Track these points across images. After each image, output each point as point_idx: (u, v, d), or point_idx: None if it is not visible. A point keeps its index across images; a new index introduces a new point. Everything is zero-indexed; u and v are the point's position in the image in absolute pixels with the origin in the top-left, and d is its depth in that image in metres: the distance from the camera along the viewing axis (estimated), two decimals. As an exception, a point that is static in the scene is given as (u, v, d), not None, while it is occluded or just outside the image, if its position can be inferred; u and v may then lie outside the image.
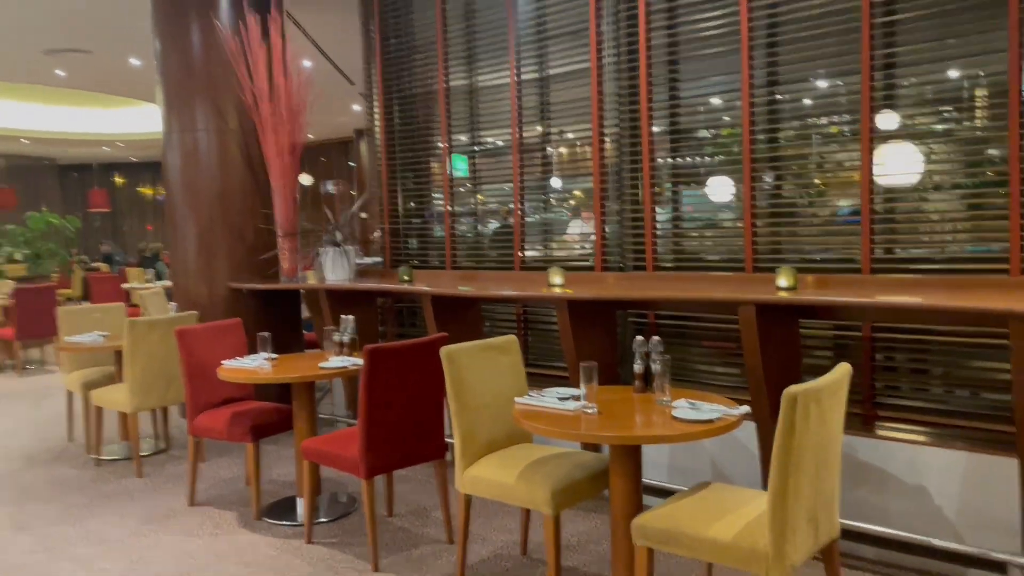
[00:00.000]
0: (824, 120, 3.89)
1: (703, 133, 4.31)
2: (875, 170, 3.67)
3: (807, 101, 3.93)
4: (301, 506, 3.98)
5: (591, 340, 4.10)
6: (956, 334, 3.49)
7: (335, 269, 5.39)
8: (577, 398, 2.99)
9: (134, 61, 8.77)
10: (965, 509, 3.10)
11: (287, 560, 3.58)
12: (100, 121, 15.27)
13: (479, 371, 3.30)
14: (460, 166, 5.45)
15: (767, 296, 3.44)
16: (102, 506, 4.40)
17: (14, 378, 8.59)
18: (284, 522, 4.02)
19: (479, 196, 5.46)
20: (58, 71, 9.30)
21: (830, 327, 3.91)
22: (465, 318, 4.82)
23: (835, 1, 3.71)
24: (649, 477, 3.93)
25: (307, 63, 8.04)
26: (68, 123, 15.20)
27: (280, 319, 5.85)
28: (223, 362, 4.19)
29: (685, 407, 2.85)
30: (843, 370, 2.56)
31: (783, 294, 3.51)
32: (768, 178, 4.06)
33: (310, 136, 15.96)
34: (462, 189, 5.51)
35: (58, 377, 7.55)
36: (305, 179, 17.76)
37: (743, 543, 2.40)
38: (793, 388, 2.31)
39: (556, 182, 5.05)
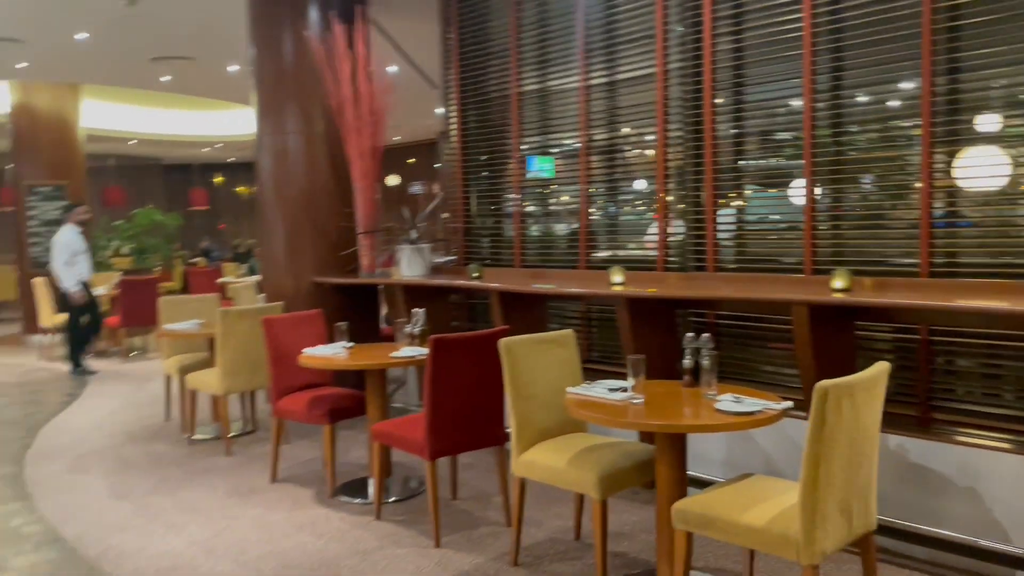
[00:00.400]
0: (884, 124, 3.93)
1: (766, 136, 4.39)
2: (947, 174, 3.68)
3: (862, 100, 3.98)
4: (372, 486, 4.25)
5: (650, 337, 4.24)
6: (1010, 338, 3.49)
7: (411, 266, 5.67)
8: (625, 390, 3.14)
9: (232, 67, 9.31)
10: (1013, 511, 3.12)
11: (357, 534, 3.85)
12: (201, 124, 16.08)
13: (535, 362, 3.49)
14: (545, 166, 5.59)
15: (819, 297, 3.52)
16: (193, 480, 4.78)
17: (119, 363, 9.24)
18: (356, 500, 4.31)
19: (547, 197, 5.66)
20: (163, 77, 9.95)
21: (890, 329, 3.93)
22: (531, 314, 5.02)
23: (898, 7, 3.75)
24: (702, 471, 4.04)
25: (393, 68, 8.41)
26: (172, 126, 16.07)
27: (360, 312, 6.16)
28: (304, 350, 4.50)
29: (729, 400, 2.97)
30: (880, 368, 2.65)
31: (837, 295, 3.58)
32: (824, 183, 4.12)
33: (398, 138, 16.46)
34: (542, 191, 5.71)
35: (158, 362, 8.10)
36: (392, 180, 18.31)
37: (775, 529, 2.52)
38: (825, 382, 2.42)
39: (622, 184, 5.20)
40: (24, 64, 9.22)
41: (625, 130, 5.10)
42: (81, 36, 7.85)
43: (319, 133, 6.16)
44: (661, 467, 3.03)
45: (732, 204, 4.56)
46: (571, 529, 3.78)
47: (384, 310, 6.49)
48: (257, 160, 6.38)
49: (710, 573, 3.32)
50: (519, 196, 5.71)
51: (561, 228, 5.63)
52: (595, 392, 3.19)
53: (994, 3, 3.51)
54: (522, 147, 5.67)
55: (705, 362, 3.17)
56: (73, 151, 11.52)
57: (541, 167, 5.59)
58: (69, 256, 8.25)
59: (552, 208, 5.67)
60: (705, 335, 3.24)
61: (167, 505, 4.35)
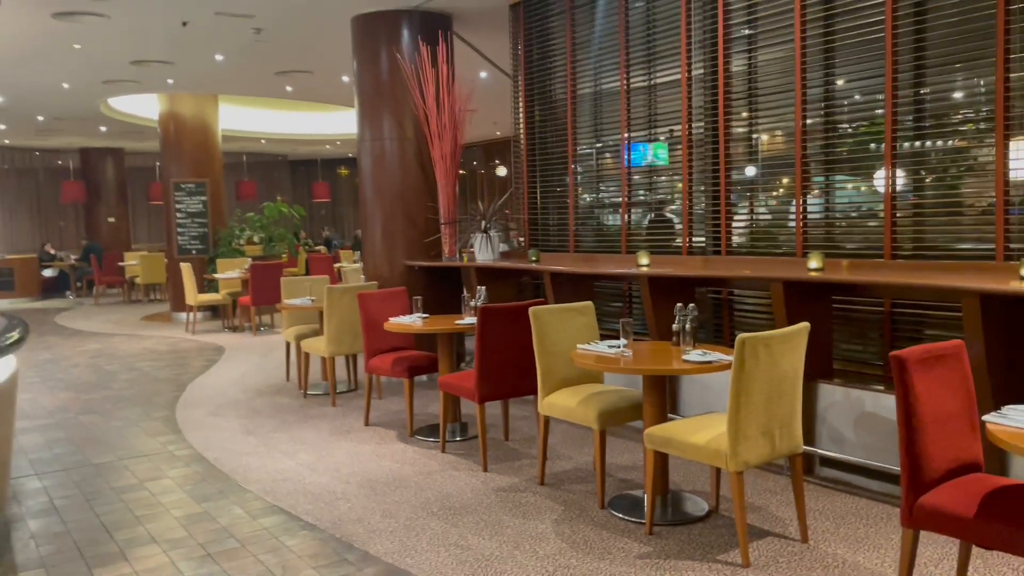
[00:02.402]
0: (960, 115, 4.25)
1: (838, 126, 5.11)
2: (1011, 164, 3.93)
3: (929, 93, 4.43)
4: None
5: (667, 309, 5.06)
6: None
7: (482, 251, 6.67)
8: (620, 347, 4.02)
9: (345, 78, 10.56)
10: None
11: (425, 461, 4.89)
12: (323, 124, 17.63)
13: (559, 326, 4.40)
14: (661, 154, 6.01)
15: (792, 274, 4.28)
16: (305, 423, 5.96)
17: (250, 336, 10.71)
18: (429, 439, 5.35)
19: (600, 190, 6.52)
20: (287, 87, 11.34)
21: (872, 303, 4.60)
22: (578, 291, 5.91)
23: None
24: (687, 413, 4.85)
25: (484, 74, 9.41)
26: (297, 126, 17.70)
27: (444, 290, 7.20)
28: (390, 319, 5.57)
29: (697, 355, 3.81)
30: (799, 327, 3.43)
31: (813, 274, 4.32)
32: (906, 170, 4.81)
33: (499, 133, 17.50)
34: (611, 186, 6.58)
35: (282, 335, 9.46)
36: (501, 170, 19.40)
37: (712, 446, 3.37)
38: (744, 335, 3.24)
39: (652, 176, 6.01)
40: (172, 81, 10.79)
41: (654, 128, 5.89)
42: (219, 57, 9.25)
43: (409, 138, 7.24)
44: (646, 405, 3.90)
45: (741, 192, 5.31)
46: (591, 463, 4.68)
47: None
48: (359, 160, 7.53)
49: (687, 491, 4.16)
50: (572, 190, 6.59)
51: (607, 217, 6.48)
52: (597, 348, 4.09)
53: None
54: (576, 145, 6.55)
55: (687, 326, 4.00)
56: (212, 152, 13.13)
57: (656, 156, 6.01)
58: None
59: (603, 199, 6.52)
60: (691, 305, 4.07)
61: (283, 439, 5.53)
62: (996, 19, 3.94)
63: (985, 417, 2.48)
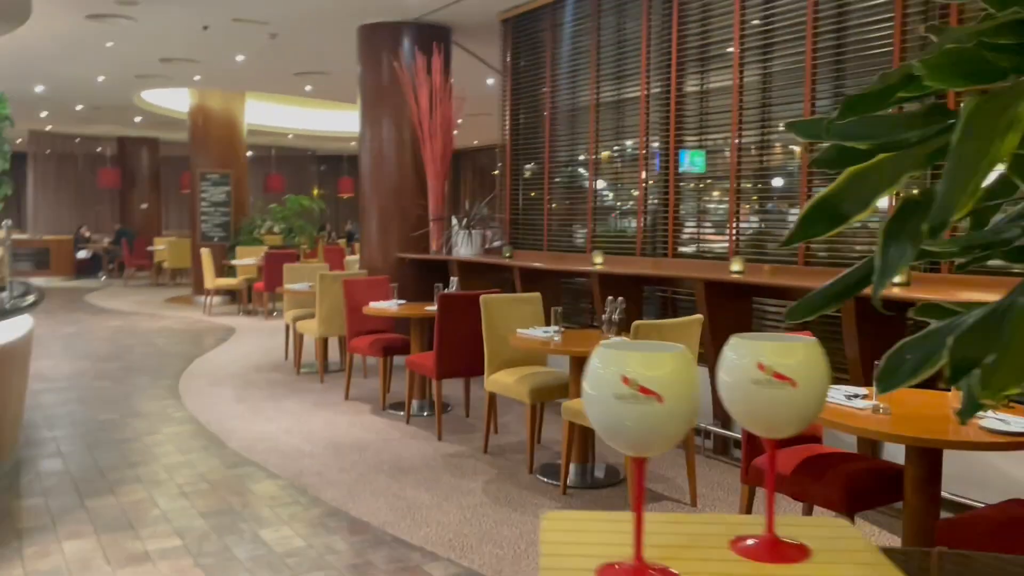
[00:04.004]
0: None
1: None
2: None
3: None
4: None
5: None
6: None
7: (464, 247, 7.24)
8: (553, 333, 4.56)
9: (359, 79, 11.20)
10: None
11: (389, 431, 5.47)
12: (347, 122, 18.26)
13: (506, 314, 4.95)
14: (697, 160, 6.12)
15: (714, 276, 4.79)
16: (292, 395, 6.57)
17: (262, 319, 11.39)
18: (399, 412, 5.93)
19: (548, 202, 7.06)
20: (306, 87, 12.01)
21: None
22: (547, 285, 6.44)
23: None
24: None
25: (491, 80, 9.97)
26: (323, 123, 18.41)
27: (431, 281, 7.75)
28: (370, 303, 6.16)
29: (616, 340, 4.33)
30: (694, 318, 3.96)
31: (734, 276, 4.82)
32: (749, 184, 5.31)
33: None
34: (578, 194, 7.12)
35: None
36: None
37: (611, 417, 3.89)
38: (639, 321, 3.77)
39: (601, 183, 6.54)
40: (198, 77, 11.51)
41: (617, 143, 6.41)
42: (240, 58, 9.93)
43: (405, 140, 7.84)
44: (571, 383, 4.44)
45: (686, 200, 5.82)
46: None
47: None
48: (360, 158, 8.13)
49: (612, 463, 4.69)
50: (547, 192, 7.13)
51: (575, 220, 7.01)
52: (533, 333, 4.63)
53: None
54: (552, 151, 7.10)
55: (614, 316, 4.53)
56: (237, 145, 13.86)
57: (693, 162, 6.33)
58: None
59: (567, 204, 7.05)
60: (620, 299, 4.59)
61: (269, 408, 6.14)
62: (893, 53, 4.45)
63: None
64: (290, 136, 19.64)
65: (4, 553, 3.46)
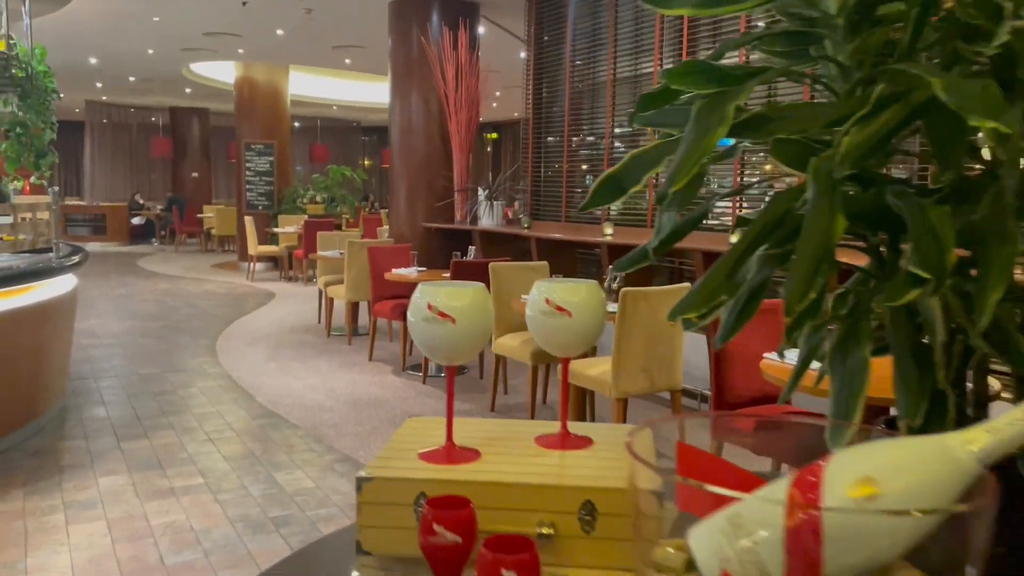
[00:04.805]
0: None
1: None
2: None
3: None
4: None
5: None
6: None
7: (487, 217, 7.50)
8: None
9: (396, 52, 11.48)
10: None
11: (405, 390, 5.81)
12: (387, 94, 18.63)
13: (514, 280, 5.22)
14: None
15: (710, 247, 4.98)
16: (320, 356, 6.95)
17: (301, 285, 11.84)
18: (417, 373, 6.26)
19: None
20: (346, 60, 12.32)
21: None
22: (563, 256, 6.70)
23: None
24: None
25: (523, 55, 10.15)
26: (366, 95, 18.73)
27: (456, 250, 8.06)
28: (392, 270, 6.48)
29: (613, 307, 4.57)
30: (682, 286, 4.17)
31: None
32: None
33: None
34: (597, 165, 7.32)
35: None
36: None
37: (600, 377, 4.15)
38: (627, 289, 4.00)
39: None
40: (242, 51, 11.90)
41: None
42: (280, 32, 10.28)
43: (432, 113, 8.10)
44: (569, 348, 4.70)
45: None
46: (540, 397, 5.51)
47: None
48: (389, 130, 8.43)
49: (600, 420, 4.94)
50: (565, 165, 7.34)
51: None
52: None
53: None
54: (571, 127, 7.29)
55: (613, 284, 4.77)
56: (281, 116, 14.28)
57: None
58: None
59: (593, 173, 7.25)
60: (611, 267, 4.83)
61: (298, 367, 6.52)
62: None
63: (766, 355, 3.21)
64: (334, 107, 20.02)
65: (46, 486, 3.87)
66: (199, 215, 18.62)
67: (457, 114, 7.74)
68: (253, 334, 7.94)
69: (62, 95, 6.01)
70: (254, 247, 12.45)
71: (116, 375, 6.19)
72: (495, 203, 7.46)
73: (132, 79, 15.61)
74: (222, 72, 14.86)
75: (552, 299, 1.09)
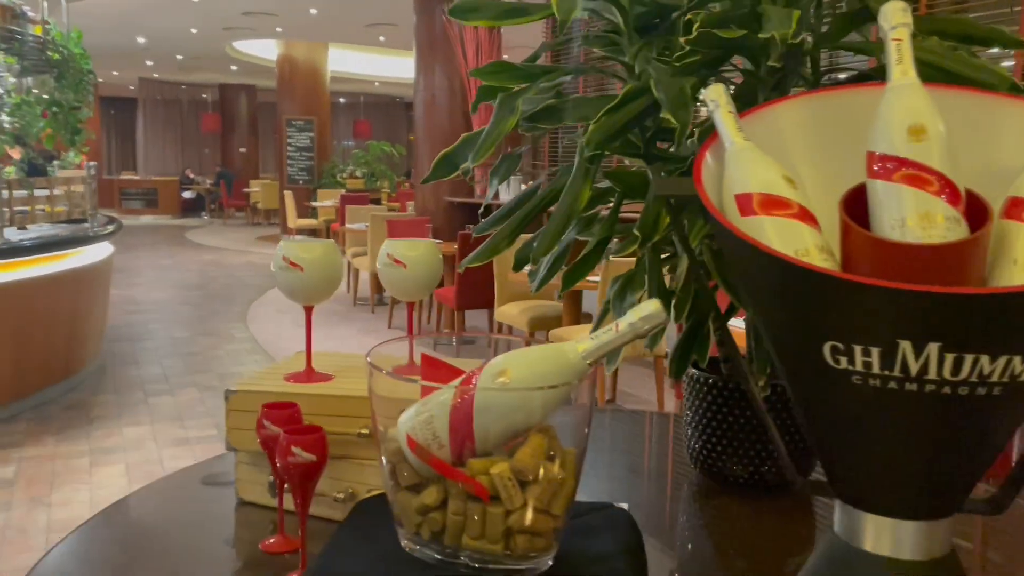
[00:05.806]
0: None
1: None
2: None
3: None
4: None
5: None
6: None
7: (505, 192, 7.73)
8: (550, 267, 5.06)
9: (429, 29, 11.71)
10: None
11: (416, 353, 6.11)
12: (428, 68, 18.88)
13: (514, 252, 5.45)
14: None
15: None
16: (344, 323, 7.31)
17: (336, 258, 12.26)
18: (427, 338, 6.57)
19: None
20: (380, 37, 12.61)
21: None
22: (572, 229, 6.91)
23: None
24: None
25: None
26: (407, 71, 19.02)
27: (476, 223, 8.33)
28: (409, 241, 6.77)
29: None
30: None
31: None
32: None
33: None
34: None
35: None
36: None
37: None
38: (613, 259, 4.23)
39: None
40: (280, 29, 12.26)
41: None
42: (313, 11, 10.60)
43: (455, 89, 8.33)
44: (564, 314, 4.94)
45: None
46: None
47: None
48: (414, 106, 8.69)
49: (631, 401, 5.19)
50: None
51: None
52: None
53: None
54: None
55: (611, 257, 4.99)
56: (321, 93, 14.66)
57: None
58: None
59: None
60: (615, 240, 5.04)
61: (321, 333, 6.87)
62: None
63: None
64: (376, 84, 20.36)
65: (75, 434, 4.28)
66: (246, 190, 19.20)
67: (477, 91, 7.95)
68: (284, 302, 8.33)
69: (100, 79, 6.40)
70: (293, 220, 12.89)
71: (151, 338, 6.62)
72: (513, 178, 7.67)
73: (180, 57, 16.15)
74: (265, 50, 15.29)
75: (391, 253, 1.34)
